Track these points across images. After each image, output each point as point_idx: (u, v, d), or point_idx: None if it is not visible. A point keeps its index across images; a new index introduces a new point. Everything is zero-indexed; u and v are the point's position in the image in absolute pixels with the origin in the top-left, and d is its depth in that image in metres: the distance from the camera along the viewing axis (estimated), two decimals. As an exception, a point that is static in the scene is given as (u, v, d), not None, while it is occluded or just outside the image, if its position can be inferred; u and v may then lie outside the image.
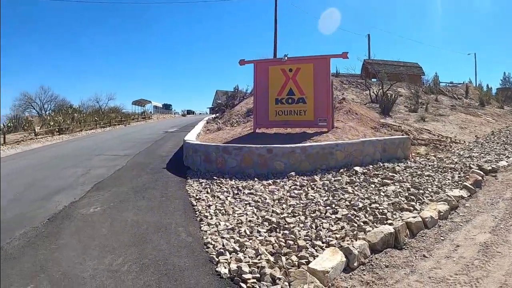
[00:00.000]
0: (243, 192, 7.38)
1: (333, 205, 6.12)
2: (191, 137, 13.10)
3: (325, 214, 5.81)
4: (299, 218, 5.71)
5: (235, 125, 17.77)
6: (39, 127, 27.43)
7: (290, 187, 7.64)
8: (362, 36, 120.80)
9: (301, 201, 6.58)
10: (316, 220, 5.52)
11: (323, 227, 5.23)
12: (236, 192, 7.46)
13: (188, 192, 7.81)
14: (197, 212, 6.35)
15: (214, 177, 8.77)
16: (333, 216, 5.63)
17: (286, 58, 12.29)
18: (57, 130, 27.26)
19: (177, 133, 22.70)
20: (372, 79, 29.77)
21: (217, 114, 27.19)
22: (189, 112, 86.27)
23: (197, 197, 7.26)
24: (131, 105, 65.91)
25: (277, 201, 6.71)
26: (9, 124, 28.29)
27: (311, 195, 6.86)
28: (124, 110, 56.56)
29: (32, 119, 34.19)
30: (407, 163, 9.62)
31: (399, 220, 5.29)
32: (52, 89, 65.18)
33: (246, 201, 6.82)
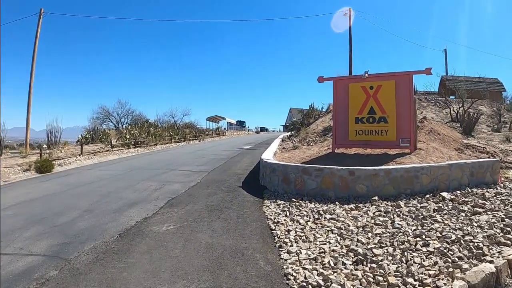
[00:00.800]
0: (324, 217, 6.96)
1: (423, 236, 5.56)
2: (268, 155, 12.85)
3: (415, 246, 5.27)
4: (386, 249, 5.22)
5: (311, 144, 17.40)
6: (115, 140, 28.36)
7: (374, 213, 7.14)
8: (439, 52, 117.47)
9: (388, 230, 6.07)
10: (405, 253, 5.00)
11: (414, 262, 4.72)
12: (316, 216, 7.05)
13: (266, 214, 7.51)
14: (275, 237, 6.00)
15: (293, 199, 8.39)
16: (424, 249, 5.09)
17: (366, 75, 11.73)
18: (133, 143, 28.12)
19: (251, 151, 22.72)
20: (451, 96, 28.45)
21: (292, 132, 27.09)
22: (262, 129, 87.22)
23: (275, 221, 6.92)
24: (205, 121, 67.22)
25: (361, 229, 6.23)
26: (86, 136, 29.42)
27: (398, 223, 6.31)
28: (198, 126, 58.25)
29: (109, 131, 35.48)
30: (497, 188, 8.79)
31: (497, 256, 4.66)
32: (129, 103, 67.54)
33: (327, 227, 6.39)
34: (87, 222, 7.22)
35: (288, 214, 7.33)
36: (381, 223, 6.45)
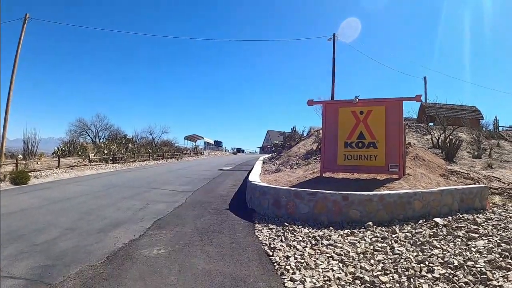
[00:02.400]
0: (322, 243, 6.76)
1: (426, 262, 5.45)
2: (255, 178, 12.59)
3: (420, 272, 5.14)
4: (392, 276, 5.06)
5: (294, 167, 17.27)
6: (93, 154, 27.87)
7: (371, 239, 6.98)
8: (417, 78, 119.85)
9: (389, 256, 5.92)
10: (412, 280, 4.87)
11: None
12: (314, 242, 6.84)
13: (259, 239, 7.28)
14: (275, 264, 5.76)
15: (285, 224, 8.18)
16: (430, 275, 4.98)
17: (357, 100, 11.73)
18: (111, 158, 27.78)
19: (232, 172, 22.51)
20: (430, 123, 28.77)
21: (273, 155, 26.98)
22: (239, 150, 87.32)
23: (272, 246, 6.68)
24: (183, 139, 66.86)
25: (361, 255, 6.05)
26: (63, 148, 28.75)
27: (398, 250, 6.17)
28: (176, 144, 57.57)
29: (87, 145, 34.85)
30: (486, 214, 8.84)
31: (503, 281, 4.63)
32: (107, 118, 66.69)
33: (327, 253, 6.20)
34: (70, 242, 6.80)
35: (283, 239, 7.10)
36: (380, 249, 6.31)
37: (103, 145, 33.15)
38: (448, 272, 5.01)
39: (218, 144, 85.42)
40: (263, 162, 22.44)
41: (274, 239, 7.16)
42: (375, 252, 6.13)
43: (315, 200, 8.65)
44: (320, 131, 22.60)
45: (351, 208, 8.37)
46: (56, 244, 6.62)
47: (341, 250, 6.26)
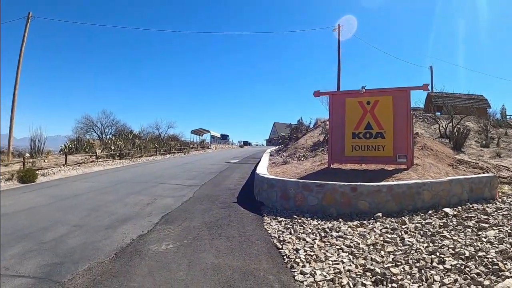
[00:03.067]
0: (331, 235, 6.69)
1: (437, 253, 5.37)
2: (263, 170, 12.56)
3: (431, 263, 5.06)
4: (403, 268, 4.99)
5: (302, 159, 17.16)
6: (100, 150, 27.88)
7: (380, 230, 6.91)
8: (424, 68, 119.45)
9: (399, 248, 5.84)
10: (423, 271, 4.79)
11: (434, 280, 4.52)
12: (323, 234, 6.77)
13: (268, 232, 7.19)
14: (285, 257, 5.69)
15: (294, 216, 8.10)
16: (441, 267, 4.90)
17: (364, 90, 11.63)
18: (117, 154, 27.75)
19: (239, 165, 22.40)
20: (437, 113, 28.53)
21: (280, 147, 26.82)
22: (246, 143, 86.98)
23: (281, 239, 6.58)
24: (190, 133, 66.95)
25: (371, 247, 5.98)
26: (70, 145, 28.74)
27: (408, 241, 6.09)
28: (183, 138, 57.59)
29: (93, 142, 34.87)
30: (496, 203, 8.71)
31: None
32: (114, 114, 66.48)
33: (337, 245, 6.12)
34: (78, 239, 6.75)
35: (292, 231, 7.01)
36: (390, 240, 6.24)
37: (109, 141, 33.06)
38: (459, 263, 4.95)
39: (224, 137, 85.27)
40: (270, 155, 22.32)
41: (283, 232, 7.07)
42: (385, 244, 6.05)
43: (324, 192, 8.57)
44: (327, 123, 22.44)
45: (360, 199, 8.29)
46: (64, 242, 6.56)
47: (350, 242, 6.19)
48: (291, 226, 7.37)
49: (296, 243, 6.29)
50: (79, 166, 21.01)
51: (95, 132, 54.79)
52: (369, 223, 7.40)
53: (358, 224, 7.34)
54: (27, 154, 22.19)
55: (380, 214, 7.81)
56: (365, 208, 8.23)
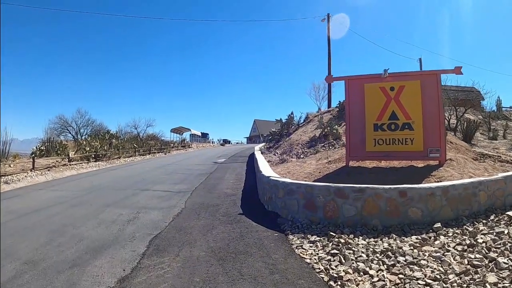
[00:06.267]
0: (398, 261, 4.72)
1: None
2: (269, 171, 10.40)
3: None
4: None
5: (301, 156, 15.27)
6: (73, 152, 25.76)
7: (454, 247, 5.07)
8: (413, 61, 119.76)
9: (500, 274, 4.01)
10: None
11: None
12: (387, 261, 4.73)
13: (307, 261, 5.05)
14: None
15: (331, 233, 5.99)
16: None
17: (387, 74, 9.77)
18: (93, 156, 26.03)
19: (229, 165, 20.62)
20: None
21: (270, 143, 25.26)
22: (226, 141, 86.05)
23: (331, 274, 4.50)
24: (169, 132, 65.56)
25: (465, 276, 4.08)
26: (41, 148, 26.27)
27: (503, 262, 4.26)
28: (163, 137, 56.41)
29: (67, 143, 32.54)
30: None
31: None
32: (89, 113, 64.47)
33: (416, 279, 4.13)
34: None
35: (343, 259, 4.91)
36: (479, 263, 4.38)
37: (84, 142, 30.99)
38: None
39: (204, 136, 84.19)
40: (261, 152, 20.72)
41: (329, 260, 5.00)
42: (479, 270, 4.17)
43: (364, 199, 6.64)
44: (320, 117, 20.88)
45: (411, 206, 6.49)
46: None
47: (431, 272, 4.27)
48: (337, 250, 5.24)
49: (359, 280, 4.27)
50: (48, 170, 18.80)
51: (70, 133, 53.03)
52: (430, 237, 5.61)
53: (419, 240, 5.49)
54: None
55: (440, 225, 6.05)
56: (417, 217, 6.45)
